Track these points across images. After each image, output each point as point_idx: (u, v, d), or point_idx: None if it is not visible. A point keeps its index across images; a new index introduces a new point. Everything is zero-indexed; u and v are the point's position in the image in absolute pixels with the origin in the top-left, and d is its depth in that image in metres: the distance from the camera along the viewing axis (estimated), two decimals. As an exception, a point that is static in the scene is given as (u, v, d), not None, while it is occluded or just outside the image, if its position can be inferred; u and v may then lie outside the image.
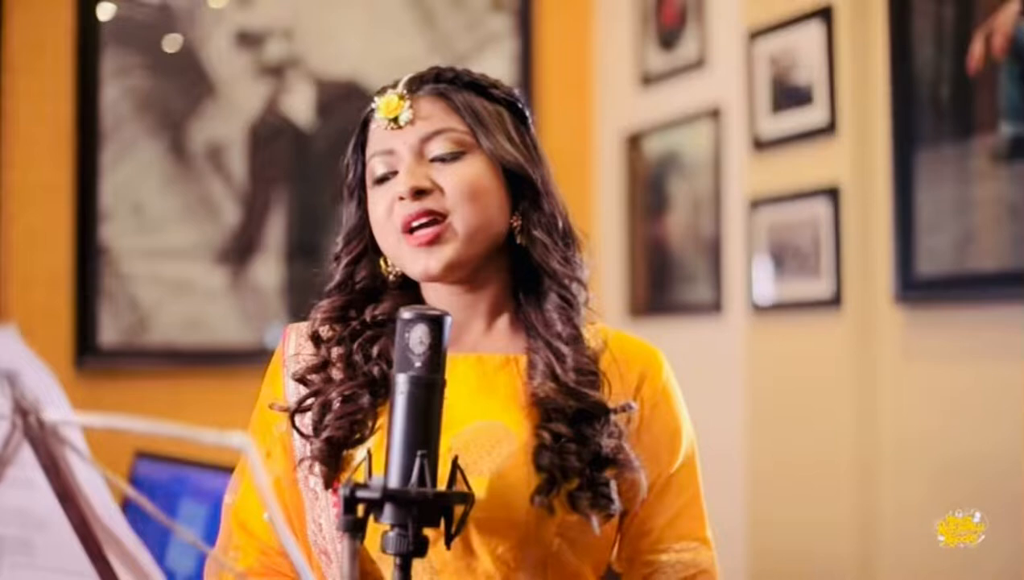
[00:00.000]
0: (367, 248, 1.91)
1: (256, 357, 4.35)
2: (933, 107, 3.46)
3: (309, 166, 4.52)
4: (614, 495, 1.76)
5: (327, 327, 1.89)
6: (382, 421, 1.79)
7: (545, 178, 1.88)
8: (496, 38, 4.75)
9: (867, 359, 3.65)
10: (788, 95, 3.94)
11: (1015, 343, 3.27)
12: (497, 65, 4.73)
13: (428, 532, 1.54)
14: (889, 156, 3.57)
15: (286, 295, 4.46)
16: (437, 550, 1.65)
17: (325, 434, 1.77)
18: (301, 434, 1.81)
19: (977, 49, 3.33)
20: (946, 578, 3.39)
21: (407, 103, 1.82)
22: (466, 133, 1.83)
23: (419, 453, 1.50)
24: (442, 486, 1.57)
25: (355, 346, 1.85)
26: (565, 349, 1.82)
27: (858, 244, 3.70)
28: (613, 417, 1.78)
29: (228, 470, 2.99)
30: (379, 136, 1.85)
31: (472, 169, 1.81)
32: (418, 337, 1.55)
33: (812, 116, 3.83)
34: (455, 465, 1.59)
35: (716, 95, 4.34)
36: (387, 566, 1.68)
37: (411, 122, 1.81)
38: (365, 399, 1.81)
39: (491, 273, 1.88)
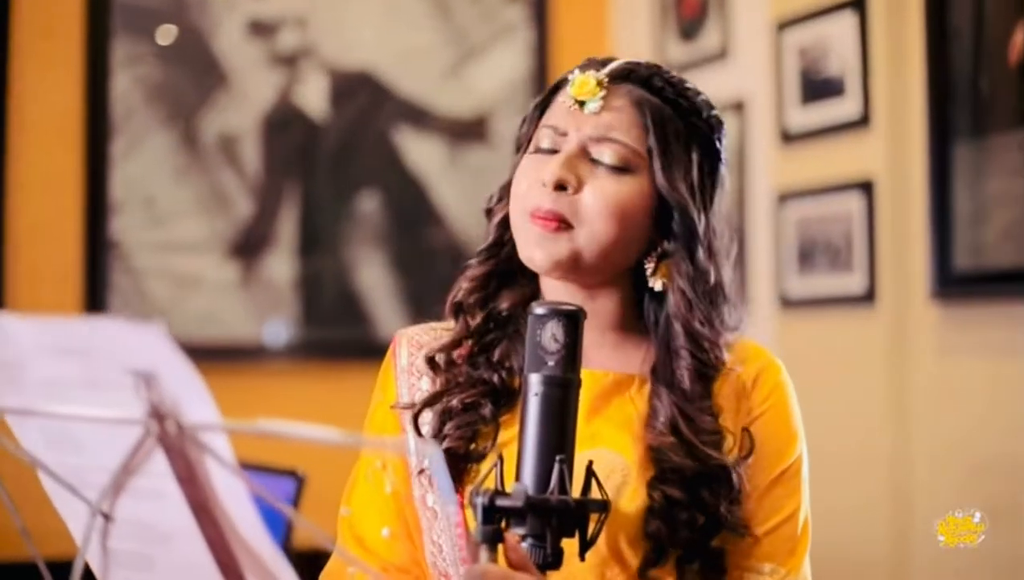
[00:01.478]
0: None
1: (265, 353, 4.28)
2: (972, 99, 3.40)
3: (322, 158, 4.44)
4: (724, 565, 1.66)
5: (468, 298, 1.79)
6: (504, 435, 1.70)
7: (709, 227, 1.75)
8: (511, 29, 4.67)
9: (901, 356, 3.59)
10: (818, 87, 3.87)
11: (1055, 340, 3.23)
12: (512, 56, 4.66)
13: None
14: (925, 149, 3.51)
15: (299, 290, 4.37)
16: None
17: (445, 444, 1.68)
18: (421, 435, 1.71)
19: (1019, 40, 3.27)
20: (978, 577, 3.34)
21: (602, 92, 1.71)
22: (641, 152, 1.71)
23: (558, 458, 1.41)
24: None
25: (478, 346, 1.76)
26: (689, 407, 1.69)
27: (893, 238, 3.64)
28: (735, 481, 1.67)
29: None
30: (559, 109, 1.74)
31: (627, 190, 1.69)
32: (551, 334, 1.46)
33: (844, 108, 3.77)
34: (590, 471, 1.50)
35: (740, 87, 4.27)
36: None
37: (596, 113, 1.71)
38: (487, 409, 1.71)
39: (614, 286, 1.77)
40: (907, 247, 3.59)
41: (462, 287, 1.81)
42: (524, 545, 1.41)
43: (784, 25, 3.99)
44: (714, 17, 4.42)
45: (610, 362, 1.73)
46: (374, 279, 4.47)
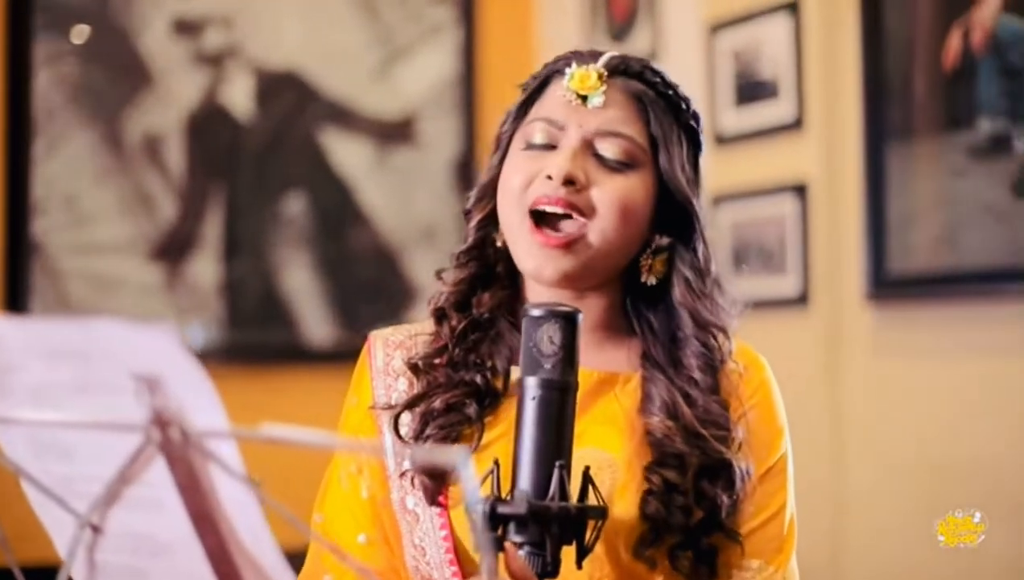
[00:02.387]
0: (496, 209, 1.76)
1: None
2: (907, 102, 3.41)
3: (248, 159, 4.37)
4: (716, 565, 1.64)
5: (450, 303, 1.75)
6: (488, 436, 1.66)
7: (703, 216, 1.74)
8: (438, 29, 4.63)
9: (835, 358, 3.59)
10: (752, 89, 3.87)
11: (988, 342, 3.24)
12: (439, 57, 4.62)
13: None
14: (860, 152, 3.52)
15: (223, 292, 4.31)
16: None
17: (428, 445, 1.64)
18: (403, 439, 1.67)
19: (954, 43, 3.28)
20: (913, 576, 3.35)
21: (603, 86, 1.68)
22: (644, 147, 1.68)
23: (558, 464, 1.37)
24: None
25: (459, 348, 1.71)
26: (701, 399, 1.67)
27: (827, 241, 3.64)
28: (738, 483, 1.65)
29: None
30: (554, 104, 1.70)
31: (634, 186, 1.67)
32: (547, 336, 1.43)
33: (778, 111, 3.77)
34: (587, 477, 1.46)
35: (671, 89, 4.25)
36: None
37: (600, 107, 1.67)
38: (472, 409, 1.67)
39: (603, 285, 1.74)
40: (841, 250, 3.60)
41: (443, 293, 1.77)
42: (521, 553, 1.38)
43: (717, 27, 3.98)
44: (644, 19, 4.40)
45: (594, 361, 1.70)
46: (300, 281, 4.42)
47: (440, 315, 1.76)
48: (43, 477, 1.18)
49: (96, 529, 1.16)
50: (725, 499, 1.64)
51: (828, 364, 3.60)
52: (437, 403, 1.68)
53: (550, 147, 1.69)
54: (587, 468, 1.49)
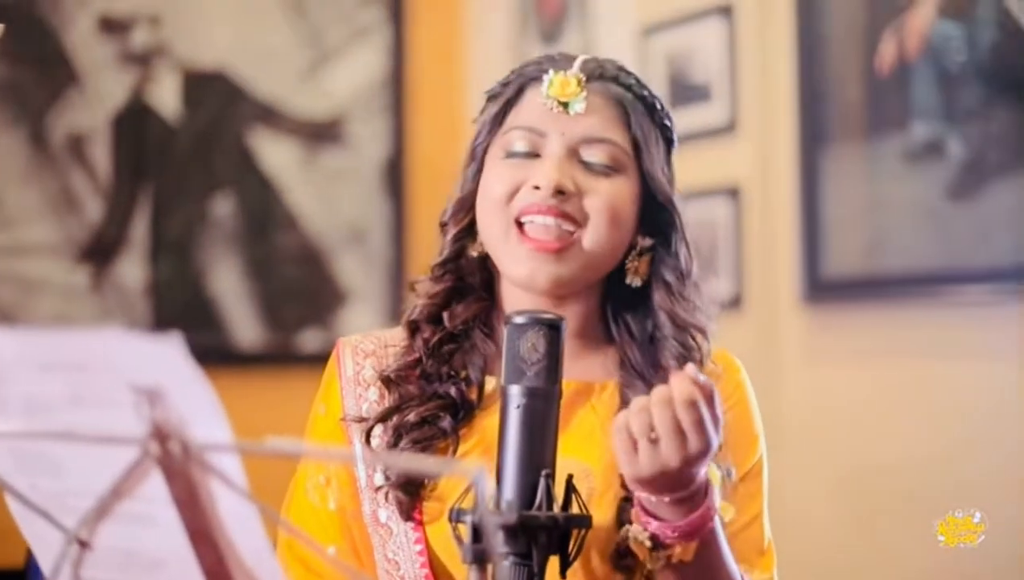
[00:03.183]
0: (474, 222, 1.74)
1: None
2: (841, 105, 3.44)
3: (175, 159, 4.32)
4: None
5: (424, 316, 1.72)
6: (463, 448, 1.65)
7: (683, 216, 1.74)
8: (368, 30, 4.59)
9: (769, 361, 3.60)
10: (685, 93, 3.87)
11: (922, 345, 3.26)
12: (368, 58, 4.59)
13: None
14: (793, 155, 3.53)
15: (150, 294, 4.25)
16: None
17: (410, 469, 1.61)
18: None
19: (888, 48, 3.30)
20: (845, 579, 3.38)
21: (584, 92, 1.66)
22: (628, 151, 1.68)
23: (544, 473, 1.36)
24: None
25: (432, 360, 1.69)
26: None
27: (760, 244, 3.65)
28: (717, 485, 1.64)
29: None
30: (534, 112, 1.69)
31: (621, 191, 1.67)
32: (531, 344, 1.42)
33: (711, 114, 3.78)
34: (570, 486, 1.45)
35: (602, 92, 4.25)
36: None
37: (582, 113, 1.66)
38: (446, 422, 1.65)
39: (582, 293, 1.73)
40: (775, 253, 3.61)
41: (419, 306, 1.75)
42: (506, 564, 1.36)
43: (650, 30, 3.98)
44: (575, 21, 4.40)
45: (571, 371, 1.67)
46: (227, 283, 4.37)
47: (414, 327, 1.74)
48: (30, 492, 1.15)
49: (84, 545, 1.13)
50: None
51: (762, 366, 3.60)
52: (411, 416, 1.66)
53: (532, 155, 1.67)
54: (570, 477, 1.48)
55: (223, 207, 4.37)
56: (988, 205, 3.08)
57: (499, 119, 1.73)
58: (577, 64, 1.70)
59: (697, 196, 3.79)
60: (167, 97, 4.31)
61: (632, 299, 1.74)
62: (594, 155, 1.66)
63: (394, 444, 1.65)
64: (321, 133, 4.50)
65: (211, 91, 4.37)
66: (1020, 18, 3.04)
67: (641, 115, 1.70)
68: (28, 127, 4.09)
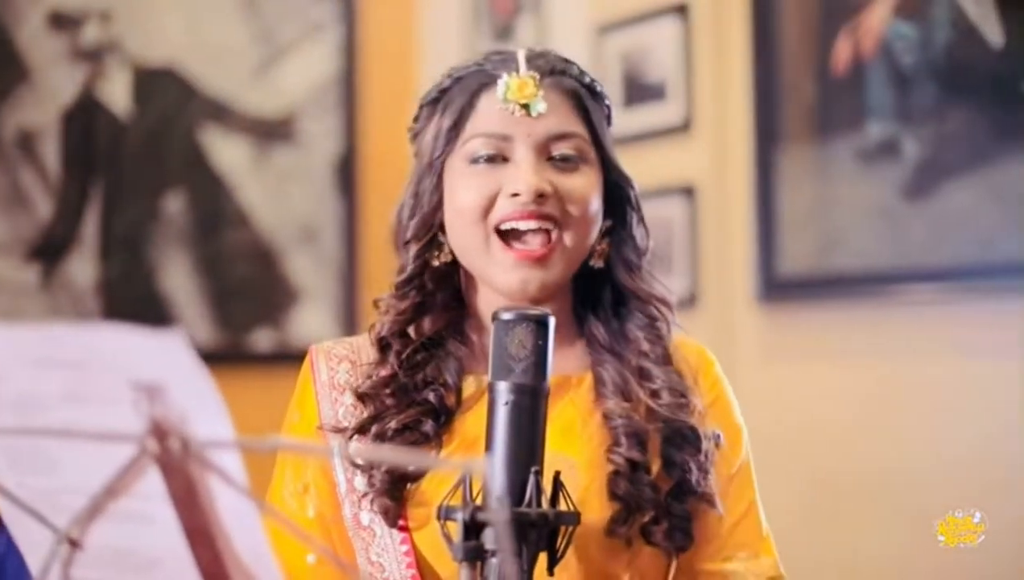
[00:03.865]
0: (436, 235, 1.73)
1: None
2: (796, 105, 3.45)
3: (126, 156, 4.28)
4: (691, 530, 1.66)
5: (394, 331, 1.71)
6: (444, 452, 1.65)
7: (637, 195, 1.77)
8: (319, 28, 4.57)
9: (725, 359, 3.59)
10: (640, 92, 3.88)
11: (876, 343, 3.29)
12: (320, 56, 4.57)
13: None
14: (748, 154, 3.55)
15: (101, 292, 4.21)
16: None
17: (386, 466, 1.60)
18: (356, 465, 1.63)
19: (843, 48, 3.32)
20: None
21: (541, 91, 1.66)
22: (588, 141, 1.70)
23: (533, 470, 1.36)
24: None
25: (406, 371, 1.69)
26: (655, 368, 1.69)
27: (715, 243, 3.67)
28: (704, 444, 1.66)
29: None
30: (493, 117, 1.68)
31: (591, 182, 1.69)
32: (519, 340, 1.42)
33: (666, 113, 3.79)
34: (558, 482, 1.45)
35: (555, 90, 4.26)
36: None
37: (544, 113, 1.66)
38: (428, 426, 1.65)
39: (558, 292, 1.74)
40: (730, 251, 3.63)
41: (387, 322, 1.74)
42: (493, 561, 1.36)
43: (605, 29, 3.99)
44: (528, 19, 4.40)
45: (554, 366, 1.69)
46: (178, 281, 4.33)
47: (384, 344, 1.73)
48: (18, 491, 1.13)
49: (75, 544, 1.12)
50: (693, 464, 1.65)
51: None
52: (392, 424, 1.65)
53: (497, 159, 1.67)
54: (557, 473, 1.48)
55: (174, 205, 4.34)
56: (942, 205, 3.11)
57: (456, 130, 1.71)
58: (524, 63, 1.70)
59: (652, 195, 3.79)
60: (118, 94, 4.27)
61: (595, 281, 1.76)
62: (563, 150, 1.68)
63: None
64: (273, 131, 4.48)
65: (162, 88, 4.33)
66: (974, 18, 3.07)
67: (592, 102, 1.73)
68: (-24, 123, 4.05)
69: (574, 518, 1.44)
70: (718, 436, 1.71)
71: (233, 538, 1.05)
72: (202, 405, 1.01)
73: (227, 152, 4.41)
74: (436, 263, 1.74)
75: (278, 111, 4.50)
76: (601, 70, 3.98)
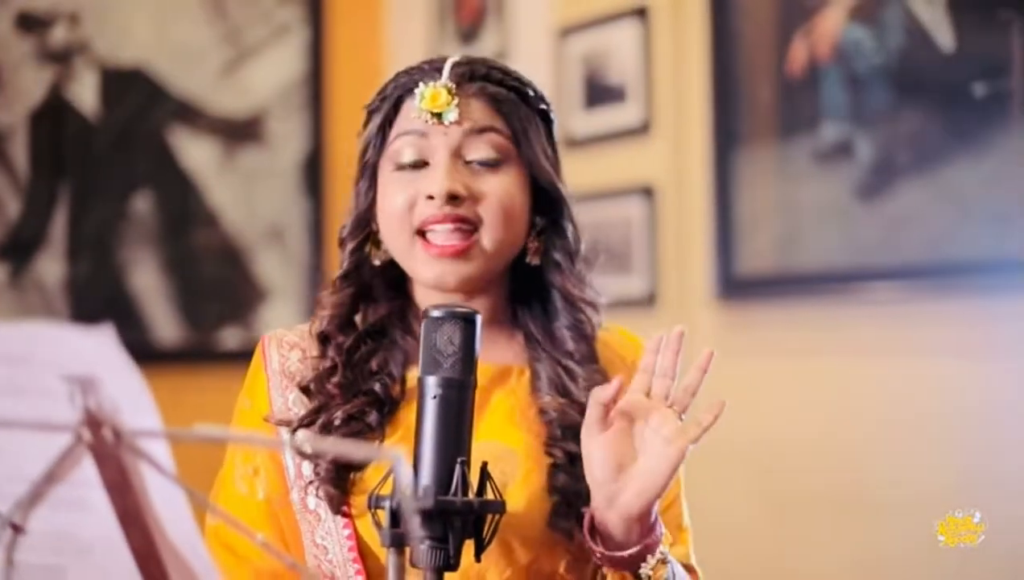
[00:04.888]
0: (371, 234, 1.79)
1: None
2: (753, 107, 3.50)
3: (94, 157, 4.31)
4: None
5: (334, 325, 1.77)
6: (388, 442, 1.69)
7: (569, 198, 1.81)
8: (287, 29, 4.62)
9: (684, 357, 3.65)
10: (600, 93, 3.93)
11: (833, 342, 3.33)
12: (287, 57, 4.60)
13: None
14: (707, 155, 3.60)
15: (69, 292, 4.24)
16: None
17: (330, 456, 1.65)
18: (303, 454, 1.68)
19: (799, 51, 3.37)
20: (755, 578, 3.43)
21: (455, 100, 1.71)
22: (508, 139, 1.73)
23: (459, 460, 1.41)
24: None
25: (351, 362, 1.74)
26: (578, 368, 1.75)
27: (674, 243, 3.71)
28: None
29: None
30: (412, 121, 1.73)
31: (510, 181, 1.73)
32: (447, 337, 1.47)
33: (626, 115, 3.84)
34: (485, 472, 1.50)
35: (519, 92, 4.30)
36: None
37: (456, 121, 1.71)
38: (373, 417, 1.70)
39: (491, 282, 1.79)
40: (688, 251, 3.67)
41: (325, 316, 1.79)
42: (422, 548, 1.41)
43: (567, 32, 4.04)
44: (493, 22, 4.45)
45: (488, 356, 1.73)
46: (146, 281, 4.37)
47: (324, 338, 1.78)
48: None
49: (18, 529, 1.16)
50: None
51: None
52: (338, 414, 1.70)
53: (422, 163, 1.72)
54: (484, 464, 1.53)
55: (142, 204, 4.37)
56: (896, 205, 3.15)
57: (382, 135, 1.77)
58: (446, 73, 1.74)
59: (612, 195, 3.85)
60: (86, 94, 4.31)
61: (532, 278, 1.81)
62: (479, 151, 1.72)
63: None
64: (240, 131, 4.52)
65: (130, 88, 4.37)
66: (926, 24, 3.12)
67: (515, 104, 1.75)
68: (-56, 124, 4.08)
69: (499, 506, 1.49)
70: None
71: (164, 523, 1.10)
72: (131, 397, 1.05)
73: (195, 152, 4.45)
74: (377, 262, 1.79)
75: (245, 112, 4.54)
76: (563, 72, 4.03)
